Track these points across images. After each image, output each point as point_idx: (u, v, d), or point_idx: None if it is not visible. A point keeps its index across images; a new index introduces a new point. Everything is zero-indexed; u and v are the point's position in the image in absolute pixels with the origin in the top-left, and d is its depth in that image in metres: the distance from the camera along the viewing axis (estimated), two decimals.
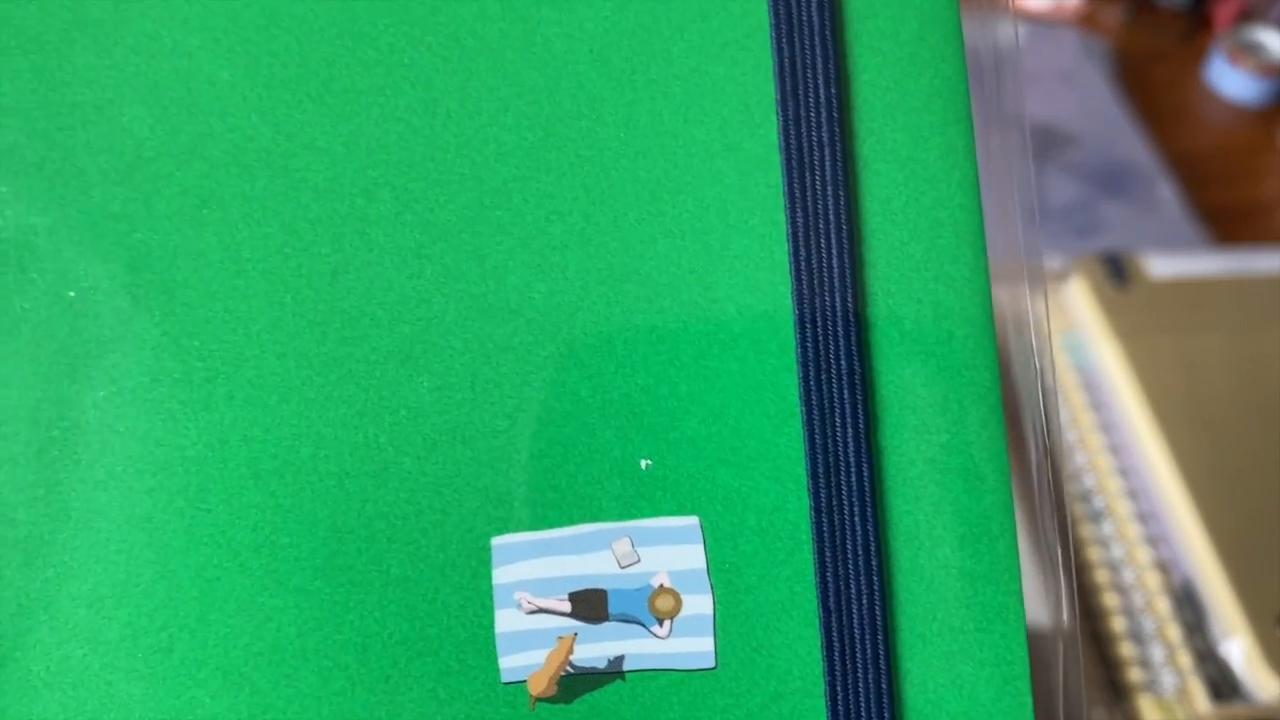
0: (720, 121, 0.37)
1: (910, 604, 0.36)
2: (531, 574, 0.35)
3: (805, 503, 0.36)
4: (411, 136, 0.36)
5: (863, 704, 0.35)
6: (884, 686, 0.35)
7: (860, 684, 0.35)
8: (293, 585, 0.36)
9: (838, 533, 0.35)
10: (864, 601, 0.35)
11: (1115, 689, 0.83)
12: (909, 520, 0.36)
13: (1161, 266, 0.99)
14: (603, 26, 0.37)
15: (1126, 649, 0.84)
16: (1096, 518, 0.90)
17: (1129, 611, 0.85)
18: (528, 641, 0.35)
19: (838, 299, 0.36)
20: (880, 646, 0.35)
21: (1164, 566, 0.85)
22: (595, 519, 0.36)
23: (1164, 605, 0.84)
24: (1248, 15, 1.41)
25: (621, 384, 0.36)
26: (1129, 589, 0.86)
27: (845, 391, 0.36)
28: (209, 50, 0.36)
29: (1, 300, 0.36)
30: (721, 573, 0.36)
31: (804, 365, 0.36)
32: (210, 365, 0.36)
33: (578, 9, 0.37)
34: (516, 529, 0.36)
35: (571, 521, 0.36)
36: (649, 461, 0.36)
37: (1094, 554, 0.89)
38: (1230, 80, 1.35)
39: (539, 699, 0.35)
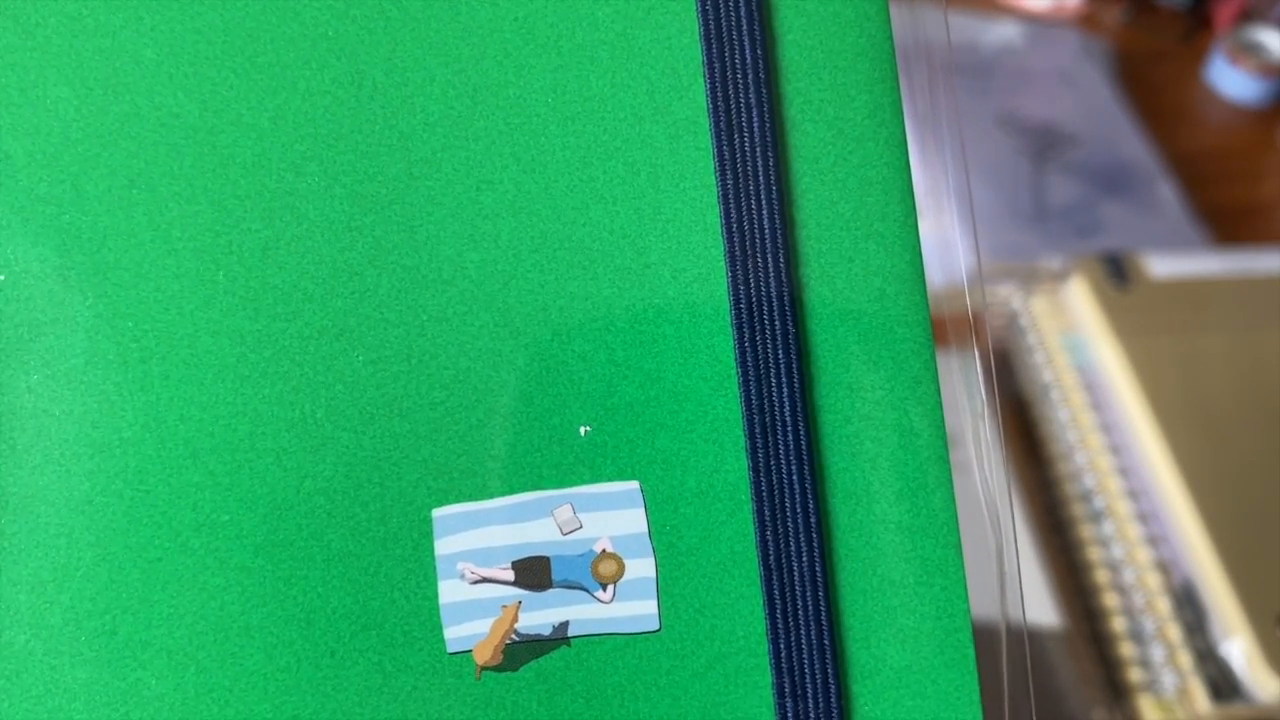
0: (648, 86, 0.38)
1: (850, 560, 0.37)
2: (473, 544, 0.36)
3: (743, 463, 0.37)
4: (338, 109, 0.37)
5: (806, 660, 0.36)
6: (826, 642, 0.36)
7: (803, 640, 0.36)
8: (234, 563, 0.36)
9: (776, 492, 0.36)
10: (804, 559, 0.36)
11: (1115, 689, 0.84)
12: (846, 477, 0.37)
13: (1161, 266, 1.00)
14: None
15: (1126, 649, 0.84)
16: (1096, 518, 0.90)
17: (1129, 611, 0.85)
18: (472, 611, 0.36)
19: (769, 260, 0.37)
20: (821, 603, 0.36)
21: (1164, 566, 0.86)
22: (536, 487, 0.36)
23: (1164, 605, 0.84)
24: (1248, 15, 1.41)
25: (557, 351, 0.37)
26: (1129, 589, 0.86)
27: (780, 352, 0.36)
28: (133, 29, 0.37)
29: None
30: (663, 536, 0.36)
31: (738, 327, 0.37)
32: (144, 345, 0.36)
33: None
34: (457, 500, 0.36)
35: (512, 490, 0.36)
36: (588, 428, 0.37)
37: (1094, 554, 0.89)
38: (1230, 80, 1.35)
39: (485, 668, 0.36)
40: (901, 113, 0.38)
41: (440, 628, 0.36)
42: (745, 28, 0.37)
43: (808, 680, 0.36)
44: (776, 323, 0.36)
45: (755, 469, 0.36)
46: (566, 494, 0.36)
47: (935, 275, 0.38)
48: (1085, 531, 0.90)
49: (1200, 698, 0.80)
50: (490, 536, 0.36)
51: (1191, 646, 0.82)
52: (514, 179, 0.37)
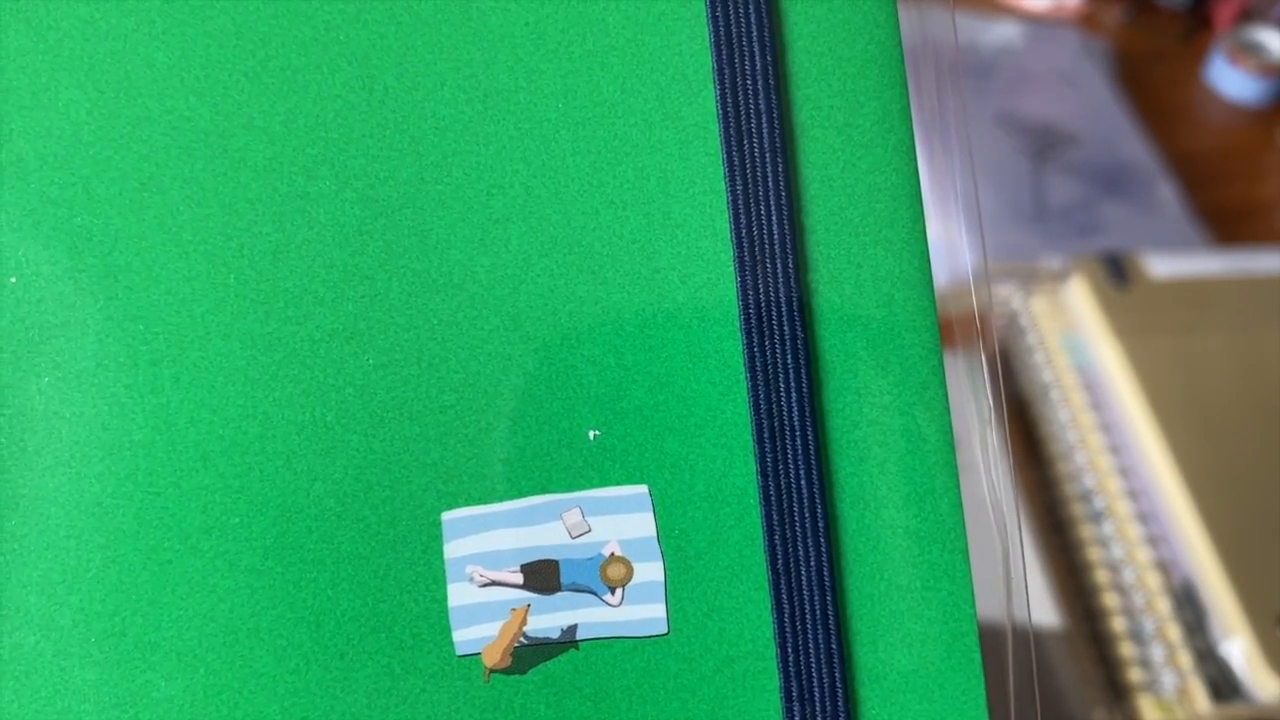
0: (658, 91, 0.38)
1: (858, 564, 0.37)
2: (483, 547, 0.36)
3: (752, 467, 0.37)
4: (350, 113, 0.37)
5: (813, 664, 0.36)
6: (834, 646, 0.36)
7: (810, 644, 0.36)
8: (244, 565, 0.36)
9: (784, 496, 0.36)
10: (812, 563, 0.36)
11: (1115, 689, 0.84)
12: (854, 482, 0.37)
13: (1161, 266, 1.00)
14: None
15: (1126, 649, 0.84)
16: (1096, 518, 0.90)
17: (1129, 611, 0.85)
18: (481, 614, 0.36)
19: (778, 265, 0.37)
20: (829, 607, 0.36)
21: (1164, 566, 0.86)
22: (545, 490, 0.37)
23: (1164, 605, 0.84)
24: (1248, 15, 1.41)
25: (567, 356, 0.37)
26: (1129, 589, 0.86)
27: (788, 357, 0.36)
28: (145, 32, 0.37)
29: None
30: (671, 539, 0.37)
31: (747, 332, 0.37)
32: (155, 348, 0.37)
33: None
34: (466, 503, 0.36)
35: (521, 494, 0.37)
36: (597, 432, 0.37)
37: (1094, 554, 0.89)
38: (1230, 80, 1.35)
39: (494, 671, 0.36)
40: (910, 119, 0.38)
41: (449, 631, 0.36)
42: (755, 34, 0.37)
43: (815, 684, 0.36)
44: (785, 328, 0.36)
45: (763, 473, 0.36)
46: (575, 497, 0.36)
47: (941, 277, 0.38)
48: (1085, 531, 0.90)
49: (1200, 698, 0.80)
50: (499, 540, 0.36)
51: (1191, 646, 0.82)
52: (524, 183, 0.37)
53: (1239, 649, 0.80)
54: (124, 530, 0.36)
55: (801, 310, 0.37)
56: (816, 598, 0.36)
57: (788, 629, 0.36)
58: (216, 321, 0.37)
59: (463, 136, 0.37)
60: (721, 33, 0.37)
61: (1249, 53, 1.35)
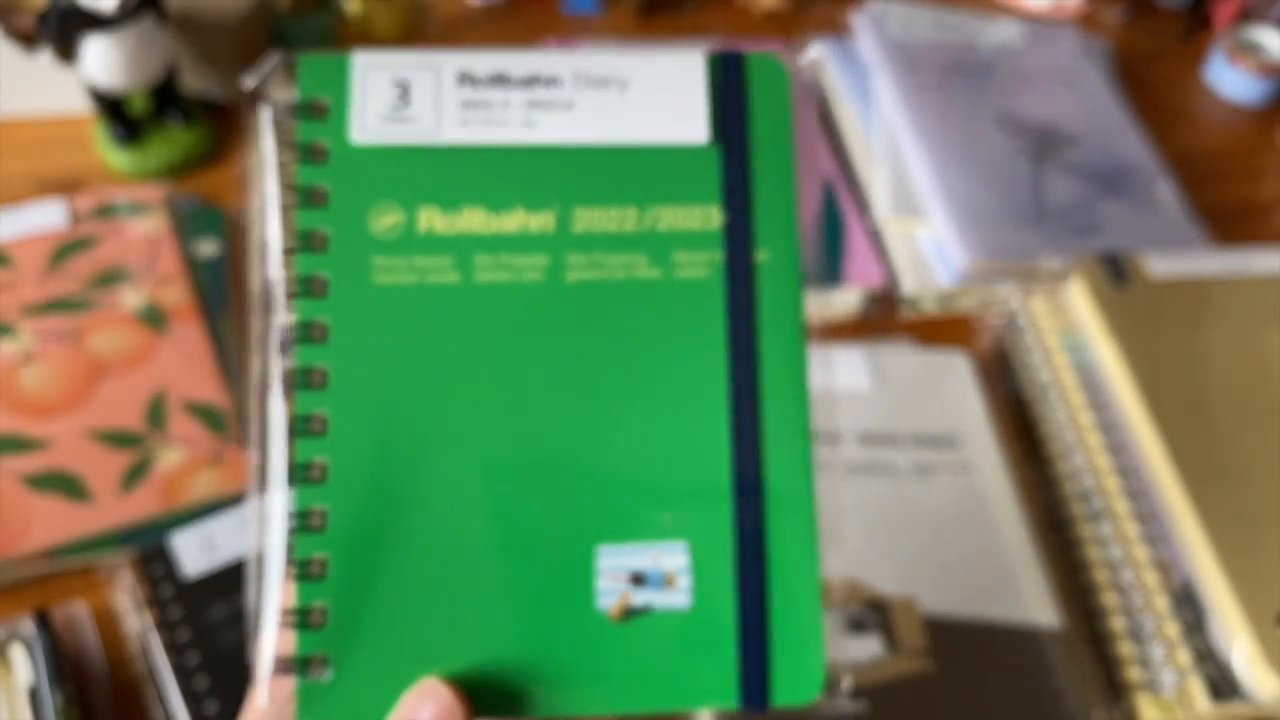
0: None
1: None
2: (613, 562, 0.55)
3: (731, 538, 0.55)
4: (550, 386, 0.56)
5: (755, 619, 0.55)
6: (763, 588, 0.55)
7: (754, 602, 0.55)
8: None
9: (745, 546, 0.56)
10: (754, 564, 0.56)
11: (1115, 688, 0.85)
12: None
13: (1161, 266, 1.00)
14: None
15: (1126, 648, 0.85)
16: (1095, 517, 0.90)
17: (1128, 611, 0.86)
18: (609, 593, 0.55)
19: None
20: (762, 588, 0.55)
21: (1164, 566, 0.86)
22: (643, 539, 0.55)
23: (1163, 604, 0.84)
24: (1248, 15, 1.42)
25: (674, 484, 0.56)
26: (1128, 588, 0.87)
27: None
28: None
29: None
30: (696, 568, 0.55)
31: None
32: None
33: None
34: (608, 541, 0.55)
35: (632, 539, 0.56)
36: (669, 515, 0.56)
37: (1094, 553, 0.90)
38: (1230, 80, 1.36)
39: (614, 619, 0.54)
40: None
41: (593, 597, 0.55)
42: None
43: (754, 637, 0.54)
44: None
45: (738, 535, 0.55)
46: (655, 545, 0.55)
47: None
48: (1084, 531, 0.91)
49: (1199, 697, 0.80)
50: (621, 560, 0.55)
51: (1191, 645, 0.82)
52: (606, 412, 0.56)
53: (1239, 649, 0.81)
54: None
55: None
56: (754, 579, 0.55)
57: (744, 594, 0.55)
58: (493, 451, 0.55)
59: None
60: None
61: (1248, 53, 1.36)
